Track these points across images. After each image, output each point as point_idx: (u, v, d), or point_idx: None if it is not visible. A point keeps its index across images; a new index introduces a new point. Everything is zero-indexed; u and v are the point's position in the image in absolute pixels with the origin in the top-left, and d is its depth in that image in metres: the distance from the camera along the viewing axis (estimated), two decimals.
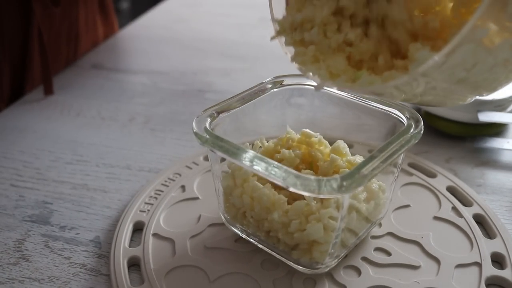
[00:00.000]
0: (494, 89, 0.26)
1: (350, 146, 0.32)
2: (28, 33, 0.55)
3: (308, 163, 0.33)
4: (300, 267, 0.30)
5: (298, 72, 0.36)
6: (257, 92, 0.34)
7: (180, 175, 0.40)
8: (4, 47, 0.53)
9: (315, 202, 0.28)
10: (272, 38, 0.29)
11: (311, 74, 0.27)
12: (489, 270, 0.31)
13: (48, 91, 0.55)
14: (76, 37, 0.64)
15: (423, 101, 0.28)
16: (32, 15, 0.54)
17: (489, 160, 0.43)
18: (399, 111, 0.32)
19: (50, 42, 0.57)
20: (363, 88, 0.25)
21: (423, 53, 0.22)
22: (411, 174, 0.40)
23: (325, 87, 0.27)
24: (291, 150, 0.32)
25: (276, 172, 0.26)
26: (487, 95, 0.27)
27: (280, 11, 0.29)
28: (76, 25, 0.63)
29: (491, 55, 0.22)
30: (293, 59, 0.28)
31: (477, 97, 0.28)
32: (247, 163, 0.27)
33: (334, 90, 0.35)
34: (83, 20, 0.64)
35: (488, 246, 0.33)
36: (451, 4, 0.25)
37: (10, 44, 0.54)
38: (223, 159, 0.31)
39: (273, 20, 0.29)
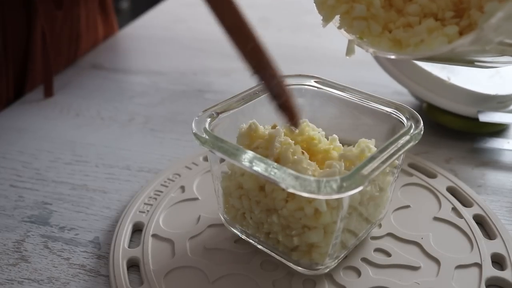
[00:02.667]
0: None
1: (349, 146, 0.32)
2: (31, 35, 0.55)
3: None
4: (300, 268, 0.30)
5: (298, 73, 0.36)
6: (257, 92, 0.34)
7: (179, 175, 0.40)
8: (7, 49, 0.53)
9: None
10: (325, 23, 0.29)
11: (370, 47, 0.27)
12: (489, 271, 0.31)
13: (48, 93, 0.55)
14: (77, 37, 0.64)
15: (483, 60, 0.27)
16: (35, 18, 0.54)
17: (489, 161, 0.43)
18: (399, 111, 0.32)
19: (52, 44, 0.57)
20: (434, 50, 0.25)
21: (492, 5, 0.22)
22: (411, 175, 0.40)
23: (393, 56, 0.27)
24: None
25: (275, 173, 0.26)
26: None
27: None
28: (77, 26, 0.63)
29: None
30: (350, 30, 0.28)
31: None
32: (247, 163, 0.27)
33: (333, 91, 0.35)
34: (84, 20, 0.64)
35: (488, 247, 0.33)
36: None
37: (13, 46, 0.54)
38: (222, 160, 0.30)
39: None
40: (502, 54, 0.27)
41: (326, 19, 0.30)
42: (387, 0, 0.29)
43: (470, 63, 0.30)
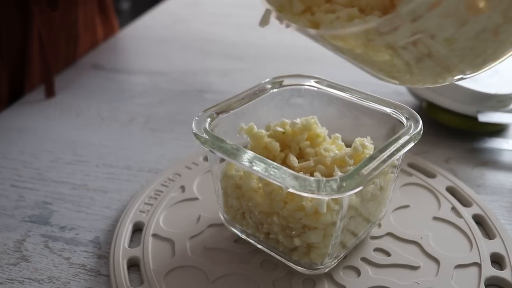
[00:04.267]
0: (478, 65, 0.25)
1: (349, 146, 0.32)
2: (27, 36, 0.55)
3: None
4: (300, 267, 0.30)
5: (298, 73, 0.36)
6: (256, 92, 0.34)
7: (179, 175, 0.40)
8: (2, 50, 0.53)
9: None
10: None
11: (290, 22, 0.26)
12: (489, 270, 0.31)
13: (50, 93, 0.55)
14: (75, 38, 0.64)
15: (405, 78, 0.26)
16: (30, 19, 0.54)
17: (488, 161, 0.43)
18: (398, 111, 0.32)
19: (49, 44, 0.57)
20: (341, 30, 0.24)
21: None
22: (410, 175, 0.40)
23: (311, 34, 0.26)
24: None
25: (275, 173, 0.26)
26: (470, 74, 0.26)
27: None
28: (75, 27, 0.63)
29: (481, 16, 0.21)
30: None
31: (463, 76, 0.26)
32: (247, 163, 0.27)
33: (333, 91, 0.35)
34: (82, 21, 0.64)
35: (487, 247, 0.33)
36: None
37: (8, 47, 0.54)
38: (222, 160, 0.31)
39: None
40: (419, 61, 0.26)
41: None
42: None
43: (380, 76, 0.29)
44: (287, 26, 0.27)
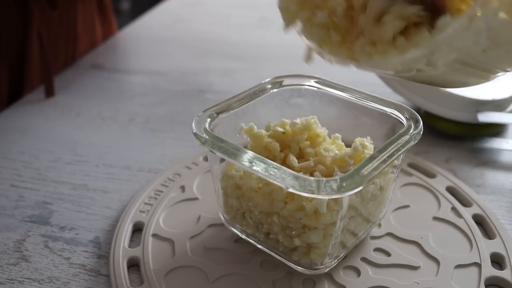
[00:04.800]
0: None
1: (349, 146, 0.32)
2: (26, 35, 0.55)
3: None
4: (300, 267, 0.30)
5: (298, 73, 0.36)
6: (256, 92, 0.34)
7: (179, 175, 0.40)
8: (1, 49, 0.53)
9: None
10: (286, 26, 0.29)
11: (326, 53, 0.27)
12: (489, 270, 0.31)
13: (50, 93, 0.55)
14: (75, 38, 0.64)
15: (447, 79, 0.27)
16: (30, 19, 0.54)
17: (488, 161, 0.43)
18: (398, 111, 0.32)
19: (49, 44, 0.57)
20: (388, 62, 0.24)
21: (444, 19, 0.22)
22: (410, 175, 0.40)
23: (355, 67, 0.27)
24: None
25: (275, 173, 0.26)
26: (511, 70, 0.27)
27: None
28: (75, 27, 0.63)
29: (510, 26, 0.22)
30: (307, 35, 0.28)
31: (501, 74, 0.27)
32: (247, 163, 0.27)
33: (333, 91, 0.35)
34: (81, 21, 0.64)
35: (487, 247, 0.33)
36: None
37: (8, 47, 0.54)
38: (222, 160, 0.31)
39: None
40: (457, 77, 0.27)
41: (287, 23, 0.29)
42: (349, 11, 0.28)
43: (435, 84, 0.30)
44: (330, 61, 0.28)
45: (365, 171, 0.26)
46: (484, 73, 0.27)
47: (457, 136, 0.46)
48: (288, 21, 0.29)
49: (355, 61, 0.26)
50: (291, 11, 0.29)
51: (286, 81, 0.36)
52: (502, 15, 0.21)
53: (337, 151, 0.32)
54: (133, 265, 0.33)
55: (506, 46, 0.23)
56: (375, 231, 0.34)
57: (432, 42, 0.22)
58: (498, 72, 0.27)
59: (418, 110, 0.48)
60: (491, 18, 0.21)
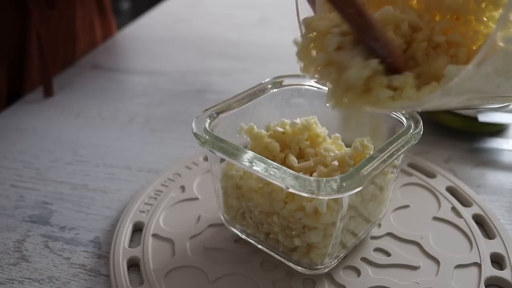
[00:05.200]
0: None
1: (349, 146, 0.32)
2: (25, 35, 0.55)
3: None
4: (300, 267, 0.30)
5: (298, 73, 0.36)
6: (256, 92, 0.34)
7: (179, 175, 0.40)
8: (0, 49, 0.53)
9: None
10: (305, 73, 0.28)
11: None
12: (489, 270, 0.31)
13: (48, 93, 0.55)
14: (74, 38, 0.64)
15: (471, 106, 0.27)
16: (29, 18, 0.54)
17: (488, 161, 0.43)
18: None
19: (48, 44, 0.57)
20: (399, 106, 0.25)
21: (450, 69, 0.22)
22: (410, 174, 0.40)
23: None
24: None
25: (275, 173, 0.26)
26: None
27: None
28: (73, 27, 0.63)
29: None
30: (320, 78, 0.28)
31: None
32: (247, 163, 0.27)
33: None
34: (80, 21, 0.64)
35: (487, 247, 0.33)
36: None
37: (6, 47, 0.54)
38: (222, 160, 0.31)
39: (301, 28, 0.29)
40: (477, 104, 0.27)
41: (306, 71, 0.29)
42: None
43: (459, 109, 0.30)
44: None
45: (365, 171, 0.26)
46: (506, 98, 0.27)
47: (457, 135, 0.46)
48: (307, 70, 0.29)
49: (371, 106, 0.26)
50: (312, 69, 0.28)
51: (286, 81, 0.36)
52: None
53: (337, 151, 0.32)
54: (133, 265, 0.33)
55: None
56: (375, 231, 0.34)
57: (443, 90, 0.22)
58: None
59: None
60: (501, 58, 0.21)
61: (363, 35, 0.26)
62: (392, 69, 0.26)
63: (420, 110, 0.27)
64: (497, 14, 0.23)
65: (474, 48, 0.25)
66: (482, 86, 0.22)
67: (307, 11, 0.29)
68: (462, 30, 0.25)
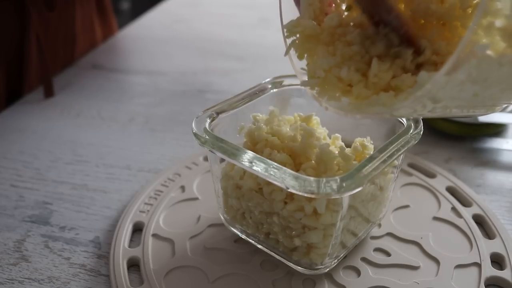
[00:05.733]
0: None
1: (349, 146, 0.32)
2: (24, 37, 0.55)
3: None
4: (300, 267, 0.30)
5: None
6: (256, 92, 0.34)
7: (179, 175, 0.40)
8: None
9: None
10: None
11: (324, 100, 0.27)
12: (489, 270, 0.31)
13: (49, 93, 0.55)
14: (73, 39, 0.64)
15: (451, 114, 0.27)
16: (28, 20, 0.54)
17: (488, 161, 0.43)
18: None
19: (47, 45, 0.57)
20: (367, 111, 0.25)
21: (422, 75, 0.22)
22: (410, 175, 0.40)
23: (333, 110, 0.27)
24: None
25: (275, 173, 0.26)
26: None
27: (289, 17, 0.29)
28: (73, 28, 0.63)
29: (501, 67, 0.21)
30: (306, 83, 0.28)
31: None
32: (247, 163, 0.27)
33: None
34: (79, 22, 0.64)
35: (487, 247, 0.33)
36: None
37: (5, 48, 0.54)
38: (222, 160, 0.31)
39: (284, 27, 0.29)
40: (459, 114, 0.27)
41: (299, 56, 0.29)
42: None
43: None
44: (326, 109, 0.28)
45: (365, 171, 0.26)
46: (486, 109, 0.26)
47: (457, 136, 0.46)
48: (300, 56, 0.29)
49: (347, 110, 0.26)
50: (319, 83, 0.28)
51: (286, 81, 0.36)
52: (489, 52, 0.21)
53: (337, 152, 0.32)
54: (133, 265, 0.33)
55: (498, 86, 0.23)
56: (375, 231, 0.34)
57: (413, 97, 0.22)
58: (503, 105, 0.26)
59: None
60: (474, 66, 0.20)
61: (376, 8, 0.26)
62: (406, 40, 0.26)
63: (396, 117, 0.27)
64: (484, 21, 0.23)
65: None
66: (458, 94, 0.22)
67: (291, 10, 0.29)
68: (448, 36, 0.25)
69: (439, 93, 0.21)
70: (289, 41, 0.29)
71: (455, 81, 0.21)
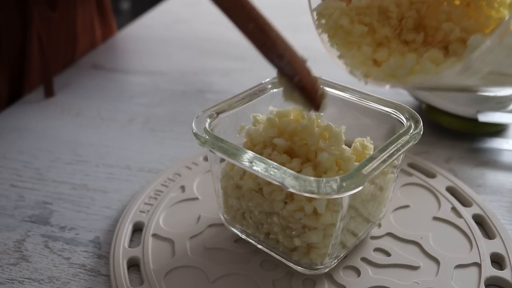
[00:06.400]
0: None
1: (349, 146, 0.32)
2: (26, 36, 0.55)
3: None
4: (300, 267, 0.30)
5: None
6: (256, 92, 0.34)
7: (179, 175, 0.40)
8: (1, 50, 0.53)
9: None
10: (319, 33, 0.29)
11: (359, 73, 0.27)
12: (489, 270, 0.31)
13: (49, 93, 0.55)
14: (74, 39, 0.64)
15: (485, 86, 0.27)
16: (30, 19, 0.54)
17: (488, 161, 0.43)
18: (398, 111, 0.32)
19: (48, 45, 0.57)
20: (418, 81, 0.25)
21: (474, 39, 0.22)
22: (410, 174, 0.40)
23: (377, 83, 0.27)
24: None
25: (275, 173, 0.26)
26: None
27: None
28: (74, 28, 0.63)
29: None
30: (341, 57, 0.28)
31: None
32: (247, 163, 0.27)
33: (333, 91, 0.35)
34: (81, 22, 0.64)
35: (487, 247, 0.33)
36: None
37: (8, 47, 0.54)
38: (222, 160, 0.31)
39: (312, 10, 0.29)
40: (493, 84, 0.27)
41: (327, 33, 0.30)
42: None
43: (470, 91, 0.30)
44: (366, 82, 0.28)
45: (365, 171, 0.26)
46: None
47: (457, 135, 0.46)
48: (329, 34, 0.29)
49: (389, 80, 0.26)
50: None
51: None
52: None
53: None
54: (133, 265, 0.33)
55: None
56: (375, 231, 0.34)
57: (464, 61, 0.22)
58: None
59: (420, 104, 0.48)
60: None
61: (265, 52, 0.25)
62: (300, 88, 0.25)
63: (434, 88, 0.27)
64: None
65: (486, 32, 0.25)
66: (502, 61, 0.22)
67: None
68: (473, 15, 0.25)
69: (488, 58, 0.22)
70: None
71: (504, 44, 0.21)
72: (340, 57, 0.28)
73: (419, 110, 0.47)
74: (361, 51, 0.27)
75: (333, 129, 0.30)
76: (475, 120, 0.44)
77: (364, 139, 0.31)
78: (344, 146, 0.33)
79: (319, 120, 0.31)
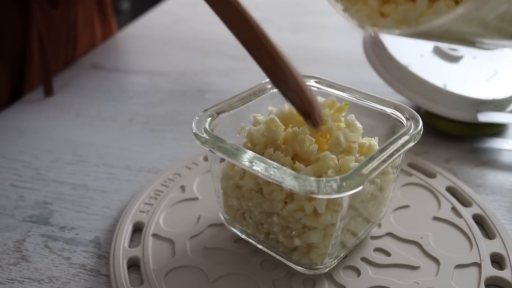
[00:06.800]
0: None
1: None
2: (27, 35, 0.55)
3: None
4: (300, 267, 0.30)
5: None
6: (256, 92, 0.34)
7: (179, 175, 0.40)
8: (3, 49, 0.53)
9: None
10: None
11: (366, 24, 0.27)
12: (489, 270, 0.31)
13: (49, 92, 0.55)
14: (75, 38, 0.64)
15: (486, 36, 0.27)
16: (30, 18, 0.54)
17: (488, 161, 0.43)
18: (398, 111, 0.32)
19: (49, 43, 0.57)
20: (428, 24, 0.24)
21: None
22: (410, 175, 0.40)
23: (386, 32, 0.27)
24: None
25: (275, 173, 0.26)
26: None
27: None
28: (75, 26, 0.63)
29: None
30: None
31: None
32: (247, 163, 0.27)
33: (333, 91, 0.35)
34: (81, 21, 0.64)
35: (487, 247, 0.33)
36: None
37: (9, 46, 0.54)
38: (222, 160, 0.31)
39: None
40: (501, 35, 0.27)
41: None
42: None
43: (471, 43, 0.30)
44: (375, 32, 0.28)
45: (365, 171, 0.26)
46: None
47: (457, 136, 0.46)
48: None
49: (399, 26, 0.26)
50: None
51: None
52: None
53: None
54: (133, 265, 0.33)
55: None
56: (375, 231, 0.34)
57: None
58: None
59: (418, 109, 0.48)
60: None
61: (276, 82, 0.28)
62: (303, 114, 0.28)
63: (446, 34, 0.26)
64: None
65: None
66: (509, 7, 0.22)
67: None
68: None
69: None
70: None
71: None
72: (345, 10, 0.28)
73: (418, 111, 0.48)
74: (368, 4, 0.27)
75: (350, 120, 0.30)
76: (473, 124, 0.44)
77: (372, 139, 0.31)
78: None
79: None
